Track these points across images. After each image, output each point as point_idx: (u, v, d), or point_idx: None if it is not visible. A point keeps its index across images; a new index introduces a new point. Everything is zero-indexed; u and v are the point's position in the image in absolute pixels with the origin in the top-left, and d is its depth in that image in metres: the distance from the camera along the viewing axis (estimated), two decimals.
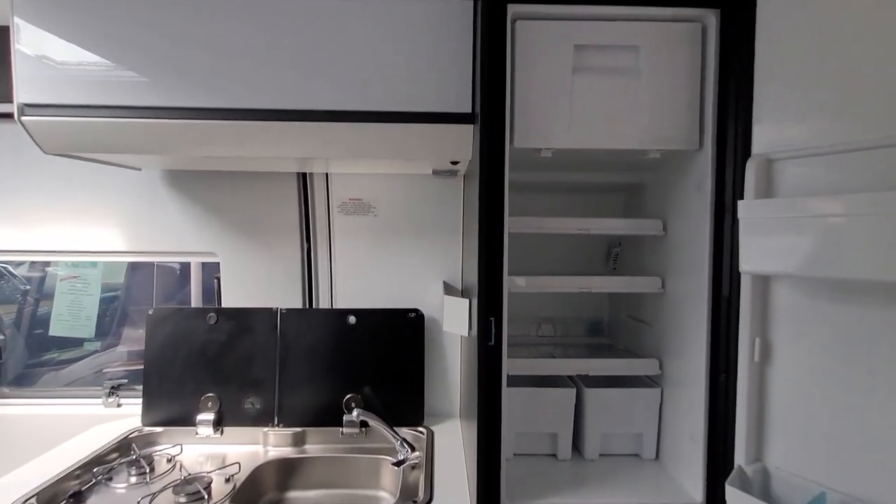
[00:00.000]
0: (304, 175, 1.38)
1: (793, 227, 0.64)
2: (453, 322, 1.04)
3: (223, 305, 1.43)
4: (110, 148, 1.04)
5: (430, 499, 1.00)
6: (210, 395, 1.36)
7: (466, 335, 1.02)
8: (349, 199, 1.39)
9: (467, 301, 0.98)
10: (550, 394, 1.06)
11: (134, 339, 2.04)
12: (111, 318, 2.09)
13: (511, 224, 0.89)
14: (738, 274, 0.81)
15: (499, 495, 0.89)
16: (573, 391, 1.05)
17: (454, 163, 1.15)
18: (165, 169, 1.37)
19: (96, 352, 1.98)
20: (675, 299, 1.02)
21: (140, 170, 1.34)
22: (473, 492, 0.92)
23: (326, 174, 1.38)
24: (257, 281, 1.42)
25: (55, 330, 1.76)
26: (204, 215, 1.39)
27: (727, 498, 0.71)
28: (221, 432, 1.35)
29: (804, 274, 0.64)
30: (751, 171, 0.74)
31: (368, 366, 1.37)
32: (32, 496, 1.00)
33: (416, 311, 1.37)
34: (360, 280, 1.41)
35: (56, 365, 1.93)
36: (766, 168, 0.74)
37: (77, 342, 1.94)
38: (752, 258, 0.72)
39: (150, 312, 1.37)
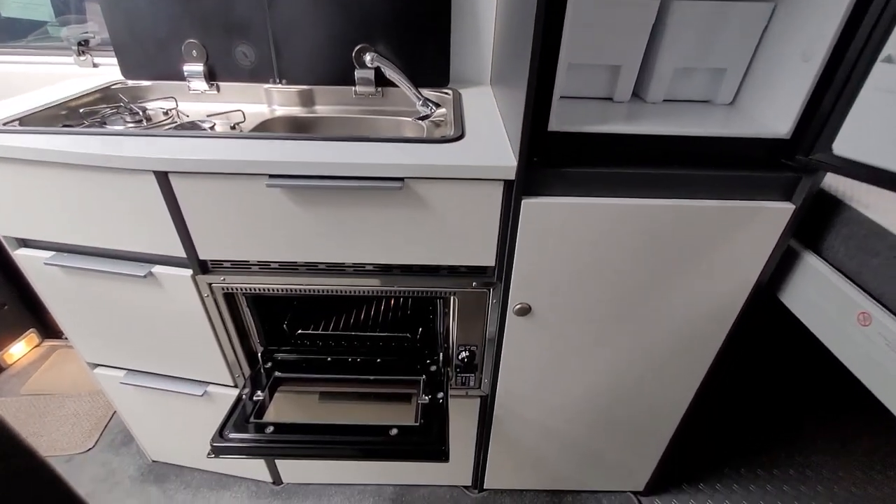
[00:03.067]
0: None
1: None
2: None
3: None
4: None
5: (462, 134, 0.88)
6: (192, 41, 1.12)
7: None
8: None
9: None
10: (625, 9, 0.80)
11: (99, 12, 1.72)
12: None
13: None
14: None
15: (546, 124, 0.75)
16: (657, 1, 0.79)
17: None
18: None
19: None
20: None
21: None
22: (517, 127, 0.77)
23: None
24: None
25: (7, 11, 1.51)
26: None
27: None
28: (217, 88, 1.18)
29: None
30: None
31: (380, 9, 1.08)
32: (15, 119, 0.90)
33: None
34: None
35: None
36: None
37: (38, 25, 1.61)
38: None
39: None
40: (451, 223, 0.83)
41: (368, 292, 0.94)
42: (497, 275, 0.91)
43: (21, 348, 1.83)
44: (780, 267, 0.89)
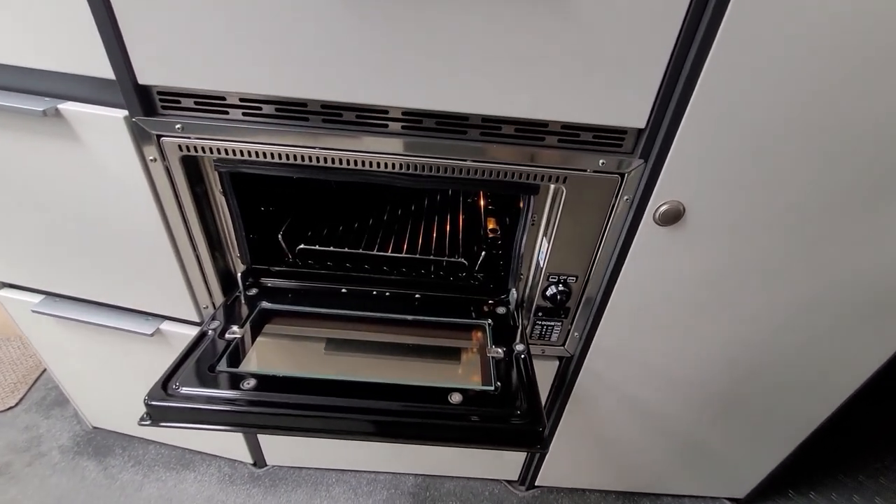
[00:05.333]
0: None
1: None
2: None
3: None
4: None
5: None
6: None
7: None
8: None
9: None
10: None
11: None
12: None
13: None
14: None
15: None
16: None
17: None
18: None
19: None
20: None
21: None
22: None
23: None
24: None
25: None
26: None
27: None
28: None
29: None
30: None
31: None
32: None
33: None
34: None
35: None
36: None
37: None
38: None
39: None
40: (594, 24, 0.46)
41: (420, 170, 0.57)
42: (644, 148, 0.55)
43: None
44: None
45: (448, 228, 0.90)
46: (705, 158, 0.53)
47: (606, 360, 0.76)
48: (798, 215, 0.58)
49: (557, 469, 1.01)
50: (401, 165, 0.57)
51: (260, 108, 0.54)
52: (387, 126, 0.55)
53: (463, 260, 0.78)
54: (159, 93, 0.53)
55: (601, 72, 0.49)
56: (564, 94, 0.50)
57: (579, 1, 0.44)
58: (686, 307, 0.68)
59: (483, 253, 0.78)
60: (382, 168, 0.57)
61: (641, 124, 0.53)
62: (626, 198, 0.59)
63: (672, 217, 0.58)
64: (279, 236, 0.77)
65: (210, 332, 0.62)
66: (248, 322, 0.66)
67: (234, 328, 0.63)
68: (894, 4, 0.43)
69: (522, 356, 0.62)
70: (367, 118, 0.54)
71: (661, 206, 0.57)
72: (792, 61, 0.46)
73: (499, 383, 0.58)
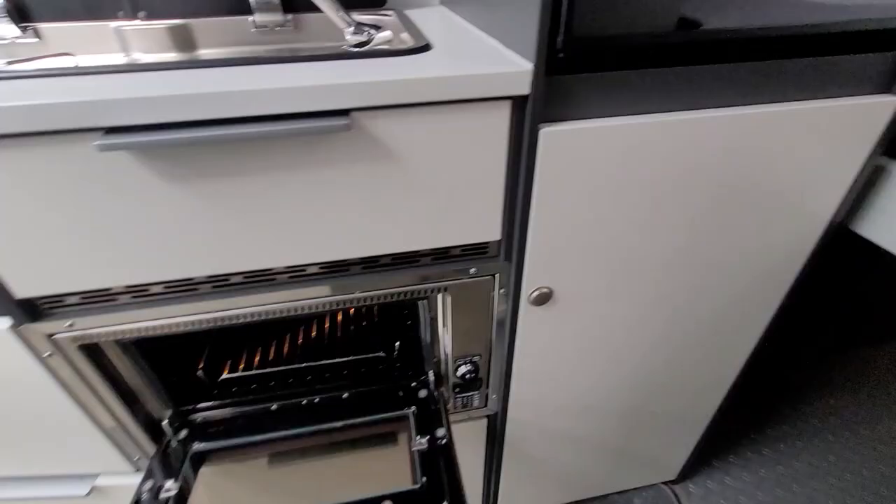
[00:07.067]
0: None
1: None
2: None
3: None
4: None
5: (428, 46, 0.57)
6: None
7: None
8: None
9: None
10: None
11: None
12: None
13: None
14: None
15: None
16: None
17: None
18: None
19: None
20: None
21: None
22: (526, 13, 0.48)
23: None
24: None
25: None
26: None
27: None
28: (36, 34, 0.78)
29: None
30: None
31: None
32: None
33: None
34: None
35: None
36: None
37: None
38: None
39: None
40: (433, 181, 0.53)
41: (316, 308, 0.62)
42: (505, 252, 0.63)
43: None
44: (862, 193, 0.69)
45: (367, 314, 0.95)
46: (556, 251, 0.63)
47: (525, 408, 0.85)
48: (641, 281, 0.69)
49: (512, 496, 1.10)
50: (297, 309, 0.62)
51: (147, 290, 0.57)
52: (274, 279, 0.59)
53: (381, 353, 0.84)
54: (42, 299, 0.55)
55: (454, 206, 0.56)
56: (427, 229, 0.58)
57: (433, 173, 0.51)
58: (572, 358, 0.78)
59: (398, 343, 0.85)
60: (280, 314, 0.62)
61: (498, 236, 0.61)
62: (502, 290, 0.67)
63: (544, 299, 0.67)
64: (199, 372, 0.79)
65: (144, 495, 0.64)
66: (181, 473, 0.68)
67: (169, 483, 0.65)
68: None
69: (443, 442, 0.69)
70: (254, 279, 0.58)
71: (532, 292, 0.66)
72: (607, 177, 0.56)
73: (424, 479, 0.64)
